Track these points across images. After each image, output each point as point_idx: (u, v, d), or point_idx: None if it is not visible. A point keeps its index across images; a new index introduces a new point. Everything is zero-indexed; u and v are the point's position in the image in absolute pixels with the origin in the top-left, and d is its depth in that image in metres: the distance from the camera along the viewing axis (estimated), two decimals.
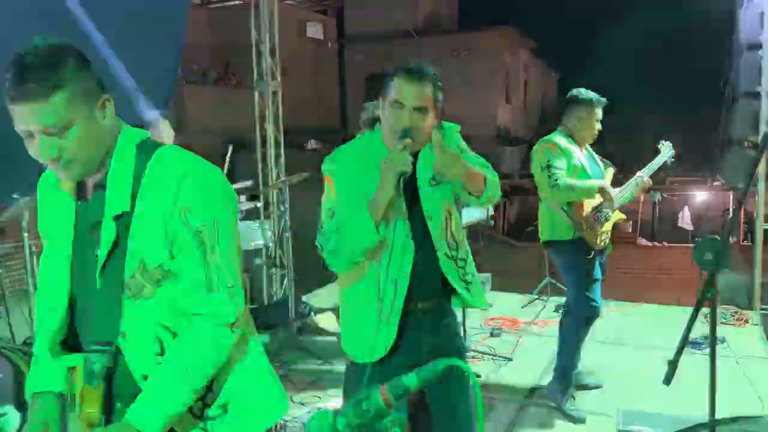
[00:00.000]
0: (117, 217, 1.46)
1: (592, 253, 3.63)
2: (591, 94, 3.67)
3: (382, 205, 1.97)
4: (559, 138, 3.66)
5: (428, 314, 2.17)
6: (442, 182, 2.13)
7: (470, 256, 2.27)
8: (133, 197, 1.46)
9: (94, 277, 1.49)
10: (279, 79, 6.80)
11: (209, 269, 1.48)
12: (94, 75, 1.43)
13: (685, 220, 18.50)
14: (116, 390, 1.51)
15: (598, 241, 3.65)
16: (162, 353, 1.49)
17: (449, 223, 2.18)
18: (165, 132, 4.70)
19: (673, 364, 1.90)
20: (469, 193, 2.12)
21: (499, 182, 2.20)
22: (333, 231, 2.04)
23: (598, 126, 3.71)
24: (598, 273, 3.70)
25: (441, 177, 2.08)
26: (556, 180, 3.52)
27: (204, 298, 1.48)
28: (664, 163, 4.02)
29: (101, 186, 1.49)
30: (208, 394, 1.55)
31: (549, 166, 3.55)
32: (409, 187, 2.08)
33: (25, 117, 1.36)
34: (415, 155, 2.08)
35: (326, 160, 2.15)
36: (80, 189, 1.53)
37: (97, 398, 1.48)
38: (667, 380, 1.92)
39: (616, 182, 3.89)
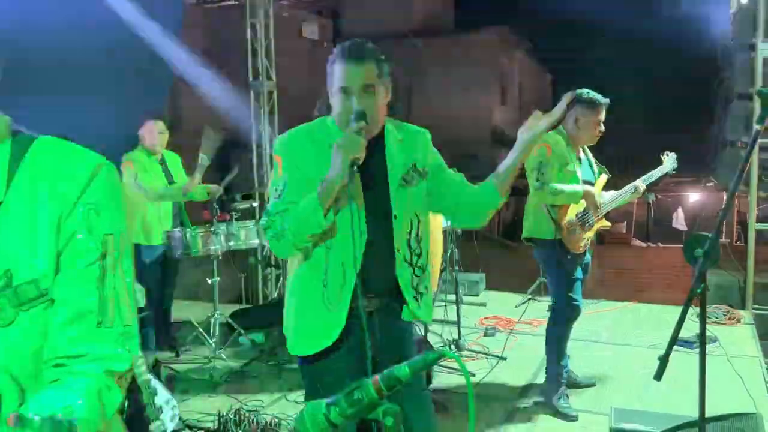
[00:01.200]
0: None
1: (569, 255, 3.63)
2: (593, 95, 3.59)
3: (331, 190, 1.84)
4: (555, 139, 3.62)
5: (378, 314, 2.07)
6: (413, 183, 2.07)
7: (429, 270, 2.17)
8: (7, 186, 1.08)
9: None
10: (274, 79, 6.81)
11: (105, 296, 1.09)
12: None
13: (679, 221, 18.54)
14: None
15: (578, 247, 3.65)
16: None
17: (416, 228, 2.10)
18: (159, 132, 4.69)
19: (663, 360, 1.92)
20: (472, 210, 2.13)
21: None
22: (278, 213, 1.93)
23: (601, 128, 3.64)
24: (578, 273, 3.71)
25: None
26: (543, 183, 3.51)
27: (92, 334, 1.07)
28: (665, 174, 4.00)
29: None
30: None
31: (539, 167, 3.54)
32: (379, 183, 2.02)
33: None
34: (379, 145, 2.04)
35: (278, 139, 2.09)
36: None
37: None
38: (658, 375, 1.94)
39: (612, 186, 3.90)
